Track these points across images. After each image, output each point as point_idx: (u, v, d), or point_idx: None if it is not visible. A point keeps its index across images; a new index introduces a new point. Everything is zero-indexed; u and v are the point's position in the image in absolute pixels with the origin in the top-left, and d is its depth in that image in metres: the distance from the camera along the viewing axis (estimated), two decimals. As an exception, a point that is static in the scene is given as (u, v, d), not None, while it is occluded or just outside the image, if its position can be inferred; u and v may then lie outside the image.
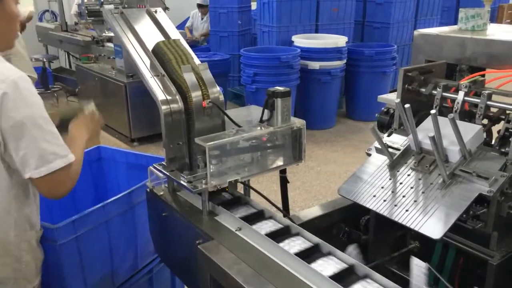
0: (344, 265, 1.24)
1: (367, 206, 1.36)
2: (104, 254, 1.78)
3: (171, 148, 1.68)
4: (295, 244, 1.33)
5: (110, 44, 5.98)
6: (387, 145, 1.48)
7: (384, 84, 6.25)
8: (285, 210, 1.83)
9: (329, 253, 1.31)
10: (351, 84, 6.22)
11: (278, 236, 1.39)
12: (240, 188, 1.76)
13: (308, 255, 1.30)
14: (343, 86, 6.27)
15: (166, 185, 1.80)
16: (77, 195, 2.20)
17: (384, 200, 1.34)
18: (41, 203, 1.68)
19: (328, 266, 1.25)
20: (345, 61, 5.91)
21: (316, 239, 1.33)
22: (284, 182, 1.95)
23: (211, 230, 1.50)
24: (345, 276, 1.20)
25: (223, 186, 1.59)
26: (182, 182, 1.61)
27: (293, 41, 5.97)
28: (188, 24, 8.34)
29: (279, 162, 1.75)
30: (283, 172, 1.91)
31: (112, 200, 1.75)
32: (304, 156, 1.76)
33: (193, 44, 7.97)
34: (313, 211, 1.77)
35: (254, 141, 1.65)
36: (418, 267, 1.13)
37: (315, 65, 5.71)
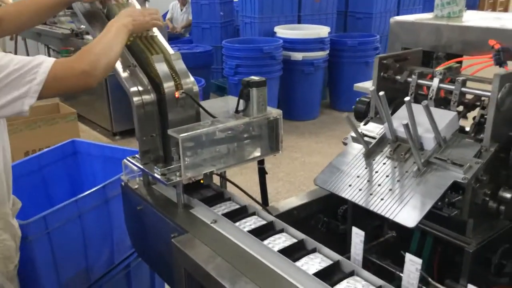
0: (330, 262, 1.21)
1: (343, 195, 1.34)
2: (79, 249, 1.74)
3: (144, 140, 1.64)
4: (279, 242, 1.31)
5: (90, 37, 5.87)
6: (363, 133, 1.46)
7: (367, 74, 6.23)
8: (264, 201, 1.81)
9: (314, 250, 1.28)
10: (334, 74, 6.21)
11: (261, 233, 1.36)
12: (217, 180, 1.73)
13: (292, 252, 1.27)
14: (326, 77, 6.26)
15: (141, 178, 1.77)
16: (51, 190, 2.15)
17: (360, 189, 1.32)
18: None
19: (313, 263, 1.21)
20: (328, 51, 5.89)
21: (301, 235, 1.30)
22: (262, 173, 1.92)
23: (185, 223, 1.47)
24: (330, 273, 1.18)
25: (198, 178, 1.55)
26: (155, 174, 1.57)
27: (275, 32, 5.93)
28: (168, 16, 8.23)
29: (256, 153, 1.72)
30: (261, 163, 1.88)
31: (85, 195, 1.71)
32: (281, 146, 1.74)
33: (175, 36, 7.88)
34: (291, 202, 1.74)
35: (229, 132, 1.62)
36: (412, 263, 1.11)
37: (298, 56, 5.68)
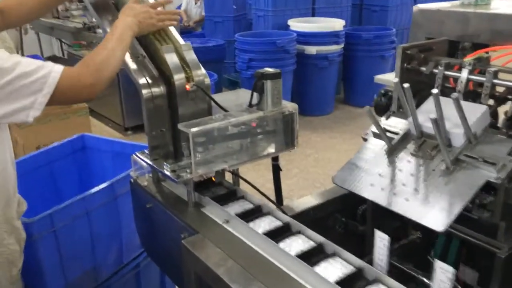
0: (351, 268, 1.12)
1: (364, 195, 1.25)
2: (86, 248, 1.68)
3: (153, 135, 1.56)
4: (296, 245, 1.22)
5: (101, 31, 5.83)
6: (385, 129, 1.36)
7: (382, 68, 6.09)
8: (278, 200, 1.73)
9: (334, 254, 1.18)
10: (349, 69, 6.09)
11: (277, 235, 1.27)
12: (229, 178, 1.65)
13: (311, 256, 1.17)
14: (340, 71, 6.14)
15: (151, 174, 1.70)
16: (60, 186, 2.10)
17: (382, 189, 1.23)
18: (22, 195, 1.57)
19: (333, 269, 1.12)
20: (342, 45, 5.76)
21: (320, 238, 1.21)
22: (276, 170, 1.84)
23: (196, 223, 1.40)
24: (353, 281, 1.08)
25: (209, 175, 1.48)
26: (165, 171, 1.50)
27: (289, 25, 5.82)
28: (183, 7, 8.15)
29: (270, 149, 1.63)
30: (275, 159, 1.80)
31: (94, 192, 1.65)
32: (296, 142, 1.65)
33: (187, 30, 7.81)
34: (307, 201, 1.66)
35: (242, 126, 1.54)
36: (443, 271, 1.02)
37: (312, 49, 5.56)
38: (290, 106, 1.60)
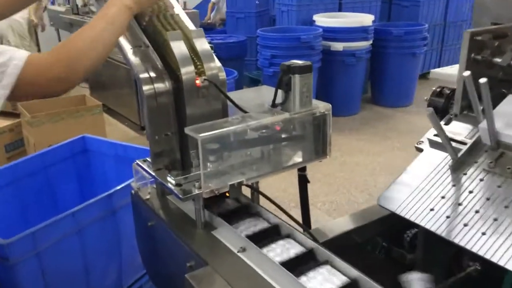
0: None
1: (422, 225, 0.96)
2: (77, 271, 1.43)
3: (156, 140, 1.30)
4: (322, 279, 0.94)
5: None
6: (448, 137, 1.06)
7: (413, 66, 5.75)
8: (305, 220, 1.44)
9: None
10: (378, 67, 5.73)
11: (299, 265, 1.00)
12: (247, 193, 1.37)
13: None
14: (368, 69, 5.79)
15: (155, 186, 1.43)
16: (59, 193, 1.85)
17: (447, 217, 0.94)
18: (15, 203, 1.32)
19: None
20: (371, 41, 5.42)
21: (354, 273, 0.93)
22: (303, 182, 1.56)
23: (205, 251, 1.13)
24: None
25: (222, 190, 1.20)
26: (169, 184, 1.23)
27: (314, 21, 5.50)
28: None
29: (297, 159, 1.35)
30: (302, 169, 1.52)
31: (86, 206, 1.39)
32: (329, 150, 1.37)
33: (209, 27, 7.57)
34: (341, 224, 1.37)
35: (264, 131, 1.26)
36: None
37: (338, 46, 5.24)
38: (322, 107, 1.31)
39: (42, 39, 7.03)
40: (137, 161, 1.37)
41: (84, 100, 4.60)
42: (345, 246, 1.23)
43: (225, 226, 1.18)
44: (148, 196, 1.40)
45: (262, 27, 6.24)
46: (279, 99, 1.28)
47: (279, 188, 3.65)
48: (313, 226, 1.51)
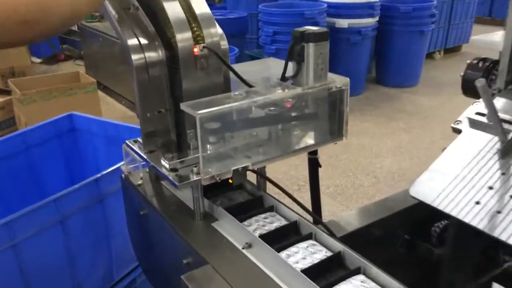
0: None
1: (470, 222, 0.79)
2: (60, 266, 1.27)
3: (148, 118, 1.13)
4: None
5: None
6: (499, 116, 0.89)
7: (421, 45, 5.54)
8: (315, 209, 1.28)
9: None
10: (384, 45, 5.52)
11: (325, 272, 0.84)
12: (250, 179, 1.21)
13: None
14: (373, 48, 5.58)
15: (147, 169, 1.27)
16: (44, 178, 1.69)
17: (498, 212, 0.77)
18: None
19: None
20: (377, 18, 5.20)
21: (394, 284, 0.77)
22: (314, 166, 1.40)
23: (204, 247, 0.97)
24: None
25: (225, 177, 1.04)
26: (162, 170, 1.07)
27: (318, -4, 5.28)
28: None
29: (309, 141, 1.19)
30: (313, 152, 1.35)
31: (69, 192, 1.22)
32: (346, 131, 1.20)
33: (208, 3, 7.31)
34: (358, 217, 1.21)
35: (272, 108, 1.09)
36: None
37: (343, 23, 5.02)
38: (339, 81, 1.15)
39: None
40: (127, 141, 1.21)
41: (78, 77, 4.40)
42: (362, 241, 1.07)
43: (227, 217, 1.02)
44: (140, 182, 1.24)
45: (264, 2, 6.00)
46: (290, 72, 1.11)
47: (280, 170, 3.49)
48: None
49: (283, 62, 1.15)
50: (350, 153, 4.09)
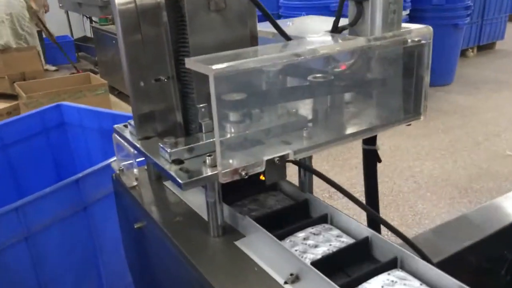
0: None
1: None
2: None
3: (142, 90, 0.79)
4: None
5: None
6: None
7: (455, 40, 5.14)
8: (373, 222, 0.91)
9: None
10: (415, 40, 5.12)
11: None
12: (292, 173, 0.85)
13: None
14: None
15: (145, 166, 0.93)
16: (27, 180, 1.36)
17: None
18: None
19: None
20: (408, 11, 4.82)
21: None
22: (371, 161, 1.04)
23: (224, 278, 0.62)
24: None
25: (254, 171, 0.68)
26: (161, 162, 0.72)
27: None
28: None
29: (373, 120, 0.82)
30: (370, 141, 1.00)
31: (38, 198, 0.88)
32: (425, 107, 0.84)
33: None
34: (451, 236, 0.83)
35: (318, 76, 0.74)
36: None
37: (371, 16, 4.65)
38: (416, 31, 0.78)
39: (51, 24, 6.62)
40: (115, 126, 0.86)
41: (89, 79, 4.14)
42: (462, 266, 0.70)
43: (259, 233, 0.67)
44: (135, 183, 0.89)
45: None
46: (349, 19, 0.76)
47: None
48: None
49: (326, 20, 0.80)
50: (385, 155, 3.69)
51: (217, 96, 0.60)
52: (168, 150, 0.70)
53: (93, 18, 7.22)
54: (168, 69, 0.78)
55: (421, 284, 0.56)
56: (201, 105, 0.74)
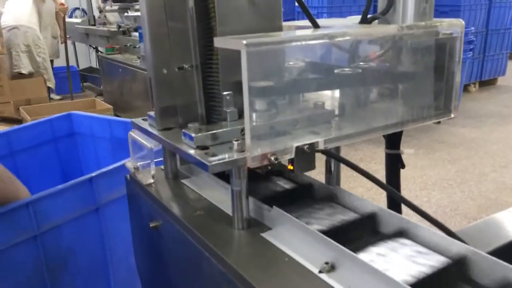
0: None
1: None
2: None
3: (164, 77, 0.76)
4: None
5: (136, 34, 5.26)
6: None
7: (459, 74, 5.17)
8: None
9: None
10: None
11: None
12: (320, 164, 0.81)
13: None
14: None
15: (163, 166, 0.89)
16: (36, 187, 1.31)
17: None
18: None
19: None
20: (411, 44, 4.88)
21: None
22: (394, 167, 1.00)
23: (254, 272, 0.57)
24: None
25: (283, 157, 0.64)
26: (183, 147, 0.68)
27: (347, 23, 5.02)
28: None
29: (403, 114, 0.79)
30: (393, 145, 0.96)
31: (50, 194, 0.83)
32: (456, 104, 0.81)
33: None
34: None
35: (346, 69, 0.71)
36: None
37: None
38: (448, 23, 0.77)
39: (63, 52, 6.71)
40: (133, 120, 0.83)
41: (94, 105, 4.14)
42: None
43: (287, 221, 0.62)
44: (151, 181, 0.85)
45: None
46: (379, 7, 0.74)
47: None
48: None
49: (350, 18, 0.79)
50: (410, 169, 3.65)
51: (249, 72, 0.57)
52: (193, 135, 0.67)
53: (99, 48, 7.32)
54: (192, 58, 0.76)
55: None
56: (226, 93, 0.71)
